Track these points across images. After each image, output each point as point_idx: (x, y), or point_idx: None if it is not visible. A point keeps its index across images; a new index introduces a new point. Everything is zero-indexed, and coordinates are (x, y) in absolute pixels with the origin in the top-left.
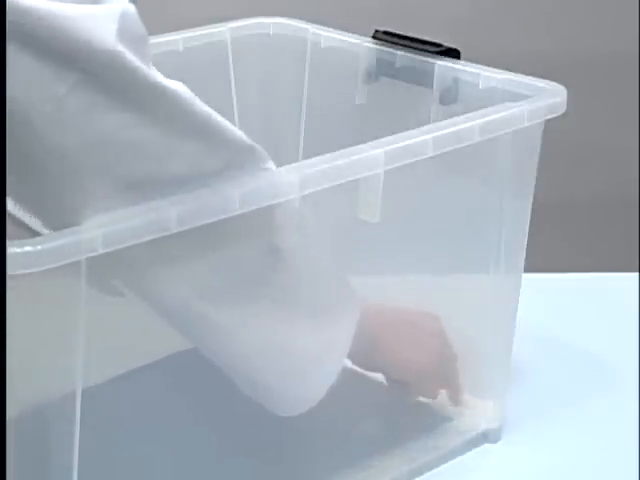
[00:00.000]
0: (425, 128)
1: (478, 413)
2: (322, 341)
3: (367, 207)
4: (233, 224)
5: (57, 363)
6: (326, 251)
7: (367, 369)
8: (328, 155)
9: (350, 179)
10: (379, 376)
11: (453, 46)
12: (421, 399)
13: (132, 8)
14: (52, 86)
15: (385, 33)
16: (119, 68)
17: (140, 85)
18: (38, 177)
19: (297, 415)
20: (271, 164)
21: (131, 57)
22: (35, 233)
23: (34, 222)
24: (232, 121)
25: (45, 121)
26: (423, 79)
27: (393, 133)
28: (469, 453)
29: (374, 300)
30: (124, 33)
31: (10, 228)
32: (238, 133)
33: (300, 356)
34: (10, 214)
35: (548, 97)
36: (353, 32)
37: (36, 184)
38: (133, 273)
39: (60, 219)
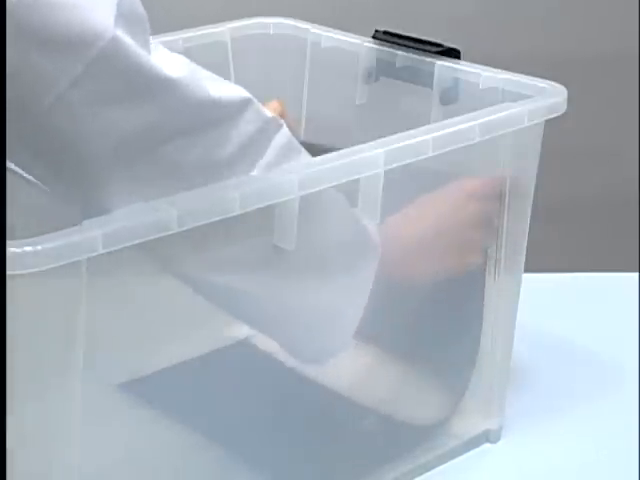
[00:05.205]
0: (425, 128)
1: (478, 413)
2: (342, 296)
3: (367, 207)
4: None
5: (57, 363)
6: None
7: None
8: (328, 155)
9: (350, 179)
10: None
11: (453, 46)
12: None
13: None
14: (53, 80)
15: (385, 33)
16: (118, 56)
17: (141, 72)
18: (58, 167)
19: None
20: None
21: (130, 42)
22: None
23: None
24: None
25: (47, 113)
26: (423, 79)
27: (393, 133)
28: (469, 453)
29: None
30: (123, 18)
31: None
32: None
33: (321, 313)
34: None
35: (548, 97)
36: (353, 32)
37: (59, 174)
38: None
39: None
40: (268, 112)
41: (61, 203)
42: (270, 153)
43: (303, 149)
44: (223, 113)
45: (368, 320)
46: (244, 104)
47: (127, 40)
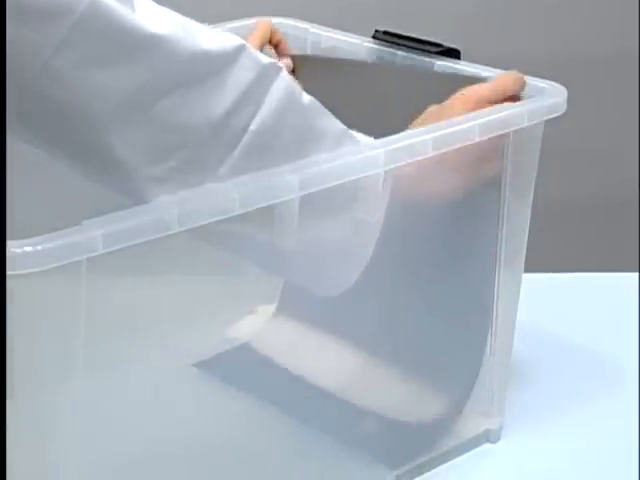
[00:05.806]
0: (425, 128)
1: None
2: (353, 233)
3: (367, 207)
4: None
5: (57, 363)
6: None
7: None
8: (328, 155)
9: (350, 179)
10: None
11: (453, 46)
12: None
13: None
14: (37, 48)
15: (385, 33)
16: (100, 18)
17: (125, 32)
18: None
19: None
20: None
21: (111, 2)
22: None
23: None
24: None
25: (35, 82)
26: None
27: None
28: (469, 453)
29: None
30: None
31: None
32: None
33: (334, 248)
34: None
35: (548, 97)
36: (353, 32)
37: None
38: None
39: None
40: (265, 57)
41: (69, 173)
42: (270, 99)
43: (303, 92)
44: (217, 63)
45: (383, 249)
46: (238, 51)
47: (108, 0)
